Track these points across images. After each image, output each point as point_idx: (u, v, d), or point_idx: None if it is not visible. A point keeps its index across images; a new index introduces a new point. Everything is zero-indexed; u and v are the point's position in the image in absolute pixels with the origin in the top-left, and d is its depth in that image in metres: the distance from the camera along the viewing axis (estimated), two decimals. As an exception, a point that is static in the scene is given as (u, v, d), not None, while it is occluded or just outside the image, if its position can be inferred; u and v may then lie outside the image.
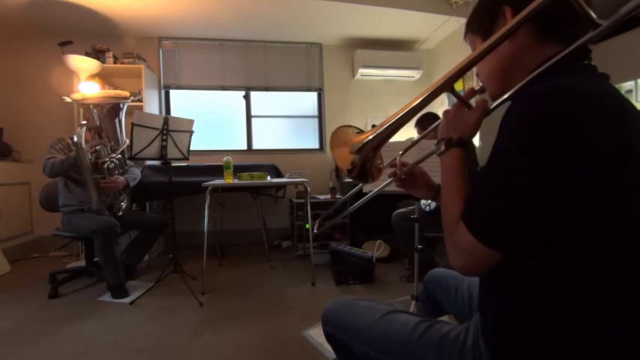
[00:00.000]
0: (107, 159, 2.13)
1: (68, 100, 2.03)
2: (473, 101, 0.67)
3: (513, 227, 0.49)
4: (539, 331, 0.52)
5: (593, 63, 0.56)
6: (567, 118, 0.45)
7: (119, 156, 2.22)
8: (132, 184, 2.36)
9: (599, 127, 0.45)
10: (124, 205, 2.36)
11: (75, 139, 1.98)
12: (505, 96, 0.59)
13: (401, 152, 0.91)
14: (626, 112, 0.47)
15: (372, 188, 1.00)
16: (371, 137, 0.68)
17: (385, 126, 0.66)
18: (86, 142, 2.03)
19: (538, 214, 0.47)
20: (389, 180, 0.88)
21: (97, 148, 2.11)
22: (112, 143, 2.20)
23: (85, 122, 2.04)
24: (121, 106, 2.14)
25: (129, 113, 2.24)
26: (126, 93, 2.19)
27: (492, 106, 0.62)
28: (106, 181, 2.14)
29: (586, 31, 0.51)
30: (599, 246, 0.48)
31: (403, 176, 0.87)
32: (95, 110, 2.08)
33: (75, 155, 2.03)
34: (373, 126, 0.72)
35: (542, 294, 0.51)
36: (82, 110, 2.23)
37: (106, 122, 2.12)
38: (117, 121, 2.15)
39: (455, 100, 0.70)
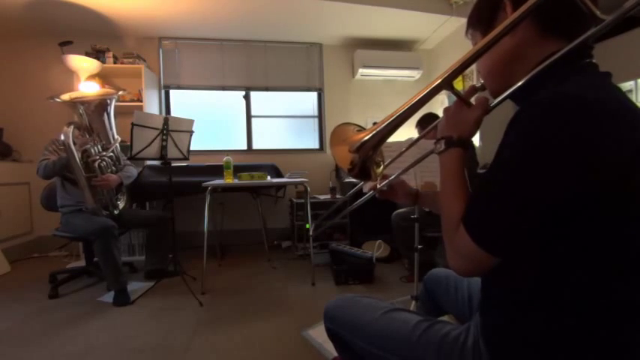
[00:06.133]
0: (97, 157, 2.11)
1: (58, 100, 2.01)
2: (474, 99, 0.66)
3: (515, 234, 0.48)
4: (540, 332, 0.51)
5: (594, 61, 0.55)
6: (574, 127, 0.44)
7: (110, 154, 2.20)
8: (126, 182, 2.34)
9: (607, 135, 0.44)
10: (121, 204, 2.35)
11: (62, 138, 1.97)
12: (505, 94, 0.58)
13: (403, 149, 0.93)
14: (633, 116, 0.47)
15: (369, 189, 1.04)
16: (369, 136, 0.67)
17: (384, 124, 0.65)
18: (74, 141, 2.01)
19: (540, 222, 0.47)
20: (369, 194, 0.97)
21: (87, 147, 2.09)
22: (104, 142, 2.18)
23: (72, 121, 2.02)
24: (108, 101, 2.12)
25: (129, 113, 2.23)
26: (113, 90, 2.18)
27: (493, 104, 0.61)
28: (97, 179, 2.12)
29: (588, 27, 0.48)
30: (602, 251, 0.47)
31: (385, 188, 0.94)
32: (82, 107, 2.06)
33: (66, 155, 2.01)
34: (374, 123, 0.71)
35: (543, 295, 0.51)
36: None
37: (95, 120, 2.10)
38: (106, 118, 2.13)
39: (455, 99, 0.68)
